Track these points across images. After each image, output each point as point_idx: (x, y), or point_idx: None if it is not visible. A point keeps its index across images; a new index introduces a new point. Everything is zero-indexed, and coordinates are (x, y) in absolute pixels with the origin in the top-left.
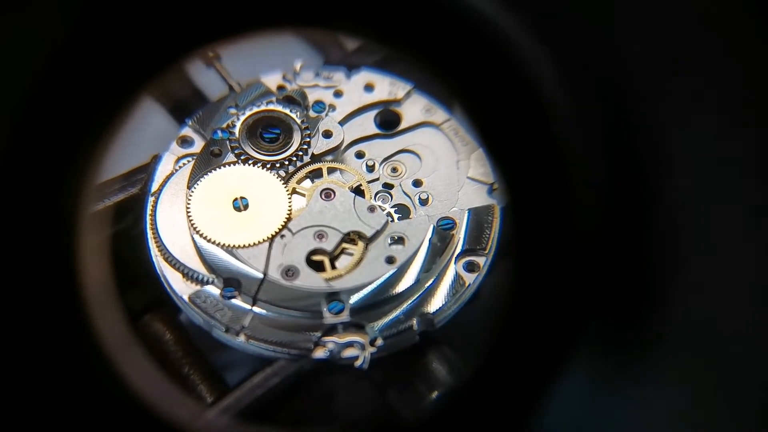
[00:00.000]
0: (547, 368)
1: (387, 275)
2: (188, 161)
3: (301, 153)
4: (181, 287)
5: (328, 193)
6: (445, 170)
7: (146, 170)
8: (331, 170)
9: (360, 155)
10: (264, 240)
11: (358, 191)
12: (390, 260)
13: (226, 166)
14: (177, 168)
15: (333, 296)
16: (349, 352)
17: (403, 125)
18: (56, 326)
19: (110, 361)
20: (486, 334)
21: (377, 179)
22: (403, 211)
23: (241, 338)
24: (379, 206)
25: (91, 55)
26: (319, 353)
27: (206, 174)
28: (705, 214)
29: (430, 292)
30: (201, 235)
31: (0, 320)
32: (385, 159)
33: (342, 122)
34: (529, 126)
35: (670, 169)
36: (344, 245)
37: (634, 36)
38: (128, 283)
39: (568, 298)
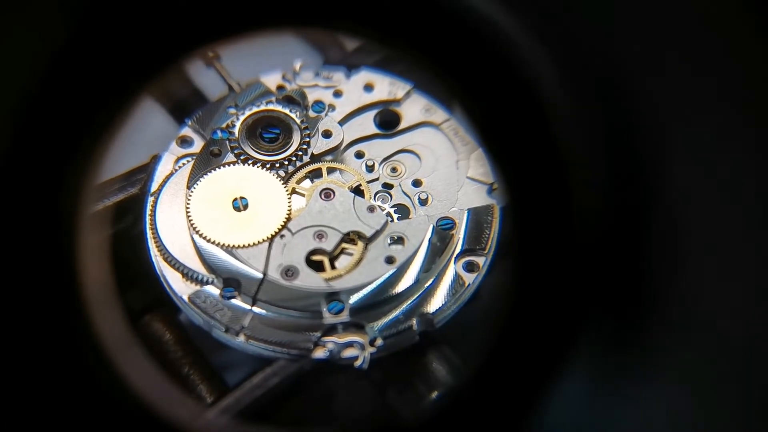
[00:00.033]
0: (547, 368)
1: (387, 275)
2: (188, 161)
3: (300, 153)
4: (180, 287)
5: (327, 193)
6: (445, 170)
7: (146, 170)
8: (330, 170)
9: (359, 155)
10: (264, 240)
11: (357, 191)
12: (390, 260)
13: (226, 166)
14: (177, 168)
15: (333, 296)
16: (348, 352)
17: (402, 125)
18: (56, 326)
19: (110, 361)
20: (486, 334)
21: (377, 179)
22: (403, 211)
23: (241, 338)
24: (379, 206)
25: (91, 55)
26: (319, 353)
27: (206, 174)
28: (705, 214)
29: (429, 292)
30: (201, 235)
31: (0, 320)
32: (385, 159)
33: (342, 122)
34: (529, 126)
35: (671, 169)
36: (344, 245)
37: (634, 36)
38: (128, 283)
39: (568, 298)
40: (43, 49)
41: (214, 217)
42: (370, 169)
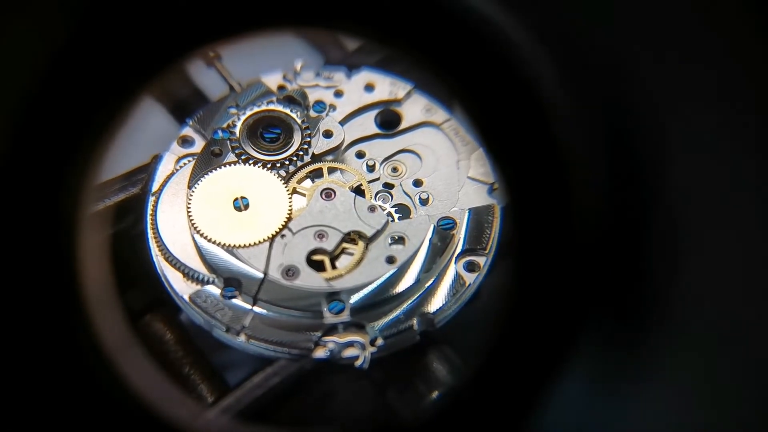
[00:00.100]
0: (547, 368)
1: (387, 275)
2: (189, 161)
3: (301, 153)
4: (181, 287)
5: (328, 193)
6: (446, 170)
7: (147, 170)
8: (331, 170)
9: (360, 155)
10: (264, 240)
11: (358, 191)
12: (390, 260)
13: (227, 165)
14: (178, 168)
15: (333, 296)
16: (349, 352)
17: (403, 125)
18: (56, 326)
19: (110, 361)
20: (486, 334)
21: (377, 179)
22: (404, 211)
23: (242, 338)
24: (380, 206)
25: (91, 55)
26: (320, 353)
27: (207, 174)
28: (705, 214)
29: (430, 291)
30: (201, 235)
31: (0, 320)
32: (386, 159)
33: (342, 122)
34: (529, 126)
35: (671, 169)
36: (344, 245)
37: (634, 36)
38: (128, 283)
39: (568, 298)
40: (43, 49)
41: (215, 217)
42: (370, 168)
